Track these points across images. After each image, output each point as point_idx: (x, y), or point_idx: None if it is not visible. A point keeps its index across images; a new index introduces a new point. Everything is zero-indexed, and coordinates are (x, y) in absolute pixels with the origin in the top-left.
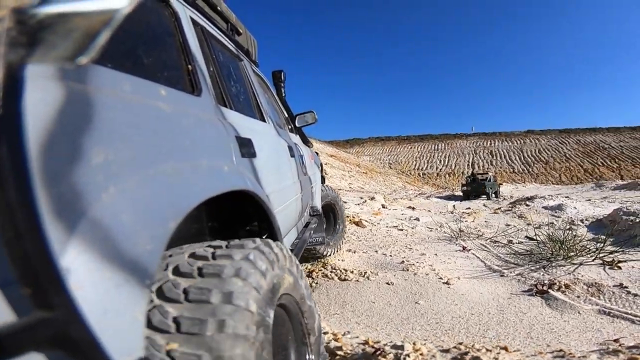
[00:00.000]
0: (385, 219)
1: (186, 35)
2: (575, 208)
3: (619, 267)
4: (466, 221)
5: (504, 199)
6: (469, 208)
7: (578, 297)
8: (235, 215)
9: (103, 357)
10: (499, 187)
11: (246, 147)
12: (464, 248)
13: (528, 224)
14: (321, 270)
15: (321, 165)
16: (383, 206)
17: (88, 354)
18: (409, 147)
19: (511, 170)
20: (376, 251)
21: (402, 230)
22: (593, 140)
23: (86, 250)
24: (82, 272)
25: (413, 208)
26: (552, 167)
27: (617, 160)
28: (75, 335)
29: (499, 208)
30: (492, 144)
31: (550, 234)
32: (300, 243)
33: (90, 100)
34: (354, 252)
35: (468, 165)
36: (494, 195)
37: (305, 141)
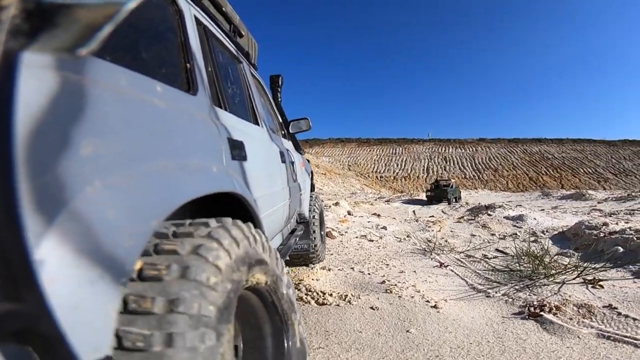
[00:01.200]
0: (353, 227)
1: (188, 34)
2: (535, 219)
3: (601, 286)
4: (432, 230)
5: (461, 205)
6: (433, 216)
7: (571, 319)
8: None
9: (69, 354)
10: (460, 193)
11: (237, 150)
12: (441, 264)
13: (492, 234)
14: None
15: (312, 173)
16: (349, 213)
17: (54, 349)
18: (369, 149)
19: (463, 176)
20: (352, 268)
21: (372, 241)
22: (538, 150)
23: (63, 243)
24: (56, 265)
25: (378, 215)
26: (500, 175)
27: (559, 170)
28: (43, 329)
29: (462, 217)
30: (447, 150)
31: (523, 248)
32: (284, 249)
33: (85, 92)
34: (329, 270)
35: (423, 170)
36: (454, 200)
37: (298, 148)
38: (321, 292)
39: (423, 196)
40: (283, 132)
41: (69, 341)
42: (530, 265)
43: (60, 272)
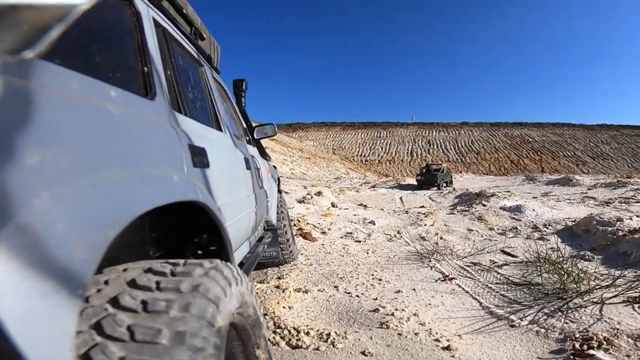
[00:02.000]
0: (337, 223)
1: (146, 36)
2: (533, 210)
3: None
4: (424, 224)
5: (449, 191)
6: (423, 206)
7: (629, 357)
8: (184, 227)
9: None
10: (451, 177)
11: (199, 157)
12: (445, 277)
13: (491, 229)
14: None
15: (278, 179)
16: (333, 205)
17: None
18: (353, 133)
19: (446, 159)
20: (336, 287)
21: (359, 241)
22: (519, 134)
23: (10, 257)
24: (3, 279)
25: (365, 206)
26: (482, 158)
27: (539, 153)
28: None
29: (454, 208)
30: (430, 134)
31: (534, 250)
32: (252, 257)
33: (31, 96)
34: (306, 292)
35: (407, 153)
36: (444, 185)
37: (263, 154)
38: (294, 328)
39: (409, 181)
40: (248, 138)
41: (24, 356)
42: (554, 277)
43: (9, 285)
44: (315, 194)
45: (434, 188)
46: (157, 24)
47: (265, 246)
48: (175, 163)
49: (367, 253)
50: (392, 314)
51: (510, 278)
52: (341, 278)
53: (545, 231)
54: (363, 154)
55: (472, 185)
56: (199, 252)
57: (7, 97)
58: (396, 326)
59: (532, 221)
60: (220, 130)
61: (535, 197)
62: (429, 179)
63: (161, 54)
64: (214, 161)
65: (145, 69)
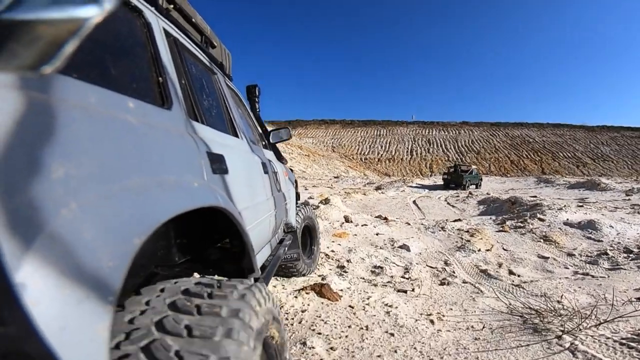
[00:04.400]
0: (358, 249)
1: (158, 47)
2: (611, 226)
3: None
4: (477, 250)
5: (469, 195)
6: (459, 220)
7: None
8: (207, 233)
9: None
10: (481, 180)
11: (218, 163)
12: None
13: (570, 255)
14: None
15: (296, 182)
16: (347, 219)
17: None
18: (353, 131)
19: (446, 158)
20: None
21: (404, 292)
22: (519, 134)
23: (43, 265)
24: (39, 287)
25: (386, 219)
26: (482, 157)
27: (539, 153)
28: (31, 351)
29: (503, 223)
30: (430, 133)
31: None
32: (274, 260)
33: (53, 111)
34: None
35: (407, 152)
36: (473, 187)
37: (280, 157)
38: None
39: (418, 181)
40: (264, 143)
41: None
42: None
43: (44, 293)
44: (322, 202)
45: (452, 189)
46: (167, 34)
47: (286, 248)
48: (195, 170)
49: (431, 323)
50: None
51: None
52: None
53: None
54: (363, 152)
55: (482, 188)
56: (222, 257)
57: (31, 112)
58: None
59: (618, 242)
60: (237, 136)
61: (581, 205)
62: (455, 178)
63: (174, 63)
64: (232, 167)
65: (160, 79)
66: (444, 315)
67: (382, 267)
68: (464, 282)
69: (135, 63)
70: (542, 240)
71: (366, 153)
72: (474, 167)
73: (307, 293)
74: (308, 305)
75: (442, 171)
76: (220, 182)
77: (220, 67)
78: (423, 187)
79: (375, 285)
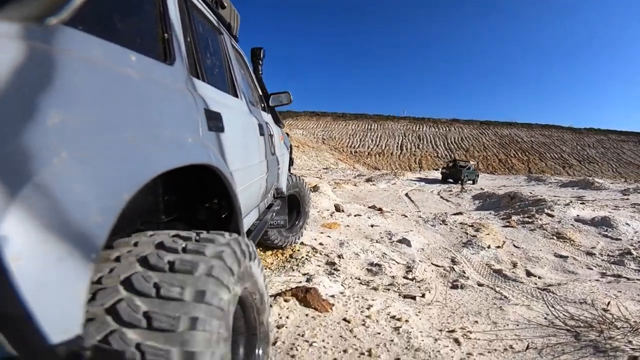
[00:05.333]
0: (351, 243)
1: (167, 4)
2: (627, 224)
3: None
4: (486, 246)
5: (464, 190)
6: (460, 213)
7: None
8: (195, 191)
9: (37, 335)
10: (478, 176)
11: (214, 121)
12: None
13: (589, 254)
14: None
15: (291, 147)
16: (337, 208)
17: (21, 330)
18: (344, 124)
19: (435, 154)
20: None
21: (412, 298)
22: (508, 134)
23: (28, 218)
24: (21, 241)
25: (380, 210)
26: (471, 155)
27: (527, 153)
28: (9, 309)
29: (509, 218)
30: (421, 129)
31: None
32: (260, 224)
33: (54, 61)
34: None
35: (397, 147)
36: (470, 182)
37: (277, 121)
38: None
39: (409, 175)
40: (263, 105)
41: (37, 321)
42: None
43: (26, 248)
44: (311, 190)
45: (448, 184)
46: None
47: (274, 214)
48: (191, 126)
49: (456, 343)
50: None
51: None
52: None
53: None
54: (353, 145)
55: (475, 185)
56: (209, 217)
57: (32, 61)
58: None
59: (639, 241)
60: (237, 96)
61: (583, 203)
62: (453, 173)
63: (182, 21)
64: (228, 126)
65: (166, 35)
66: (470, 332)
67: (380, 265)
68: (479, 284)
69: (142, 18)
70: (555, 237)
71: (356, 146)
72: (471, 162)
73: (285, 300)
74: (287, 317)
75: (431, 167)
76: (215, 139)
77: (228, 27)
78: (420, 179)
79: (376, 289)
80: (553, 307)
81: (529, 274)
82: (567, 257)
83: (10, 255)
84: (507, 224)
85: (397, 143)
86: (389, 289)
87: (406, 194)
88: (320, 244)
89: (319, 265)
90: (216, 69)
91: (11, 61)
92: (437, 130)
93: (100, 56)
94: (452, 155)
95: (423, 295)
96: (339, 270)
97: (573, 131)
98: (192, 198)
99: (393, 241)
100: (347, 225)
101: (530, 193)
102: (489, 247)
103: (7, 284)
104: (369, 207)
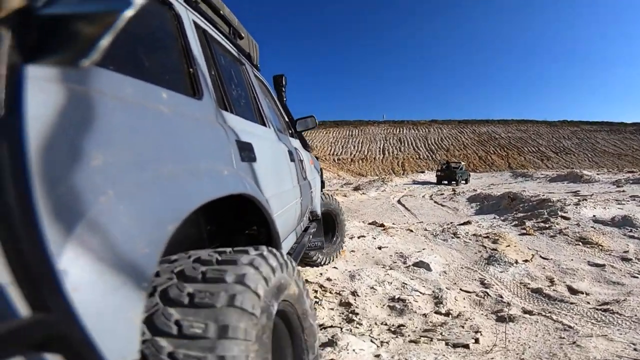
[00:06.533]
0: (362, 273)
1: (188, 39)
2: None
3: None
4: (512, 262)
5: (454, 192)
6: (469, 222)
7: None
8: (235, 220)
9: (97, 359)
10: (469, 175)
11: (246, 151)
12: None
13: (625, 260)
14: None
15: (321, 170)
16: None
17: (83, 355)
18: (324, 132)
19: (417, 156)
20: None
21: (463, 347)
22: (486, 131)
23: (83, 252)
24: (79, 274)
25: (383, 226)
26: (452, 154)
27: (505, 149)
28: (71, 336)
29: (522, 224)
30: (401, 132)
31: None
32: (299, 247)
33: (91, 102)
34: None
35: (379, 151)
36: (463, 182)
37: (305, 146)
38: None
39: (398, 181)
40: (290, 131)
41: (98, 348)
42: None
43: (83, 280)
44: None
45: (444, 185)
46: (197, 26)
47: (311, 236)
48: (225, 158)
49: None
50: None
51: None
52: None
53: None
54: (335, 153)
55: (463, 186)
56: (250, 244)
57: (71, 103)
58: None
59: None
60: (265, 125)
61: (585, 199)
62: (448, 174)
63: (204, 54)
64: (260, 155)
65: (191, 70)
66: None
67: (404, 301)
68: (528, 312)
69: (167, 55)
70: (580, 243)
71: (339, 153)
72: (462, 163)
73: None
74: None
75: (414, 169)
76: (249, 169)
77: (248, 57)
78: (410, 183)
79: (416, 342)
80: (632, 333)
81: (572, 290)
82: (604, 265)
83: (70, 287)
84: (524, 231)
85: (379, 147)
86: (430, 337)
87: (398, 201)
88: (328, 279)
89: (333, 309)
90: (242, 99)
91: (55, 104)
92: (417, 132)
93: (133, 95)
94: (434, 156)
95: (476, 341)
96: (357, 313)
97: (548, 124)
98: (233, 227)
99: (409, 265)
100: (352, 251)
101: (533, 192)
102: (516, 262)
103: (68, 313)
104: (369, 224)
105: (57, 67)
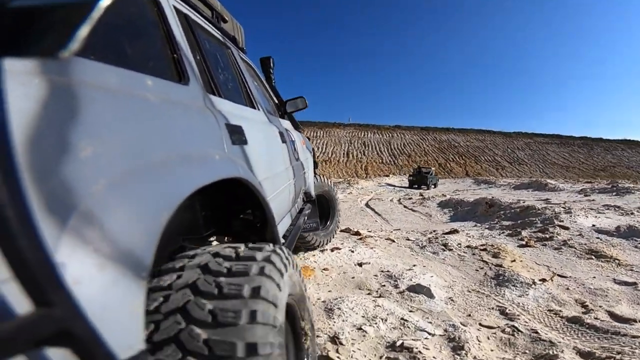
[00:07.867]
0: (345, 311)
1: (170, 24)
2: None
3: None
4: (527, 283)
5: (423, 197)
6: (456, 231)
7: None
8: (229, 204)
9: (105, 352)
10: (438, 180)
11: (237, 135)
12: None
13: None
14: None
15: (313, 150)
16: None
17: (90, 349)
18: None
19: (380, 160)
20: None
21: None
22: (447, 139)
23: (80, 244)
24: (78, 267)
25: (358, 234)
26: (413, 160)
27: (464, 157)
28: (77, 331)
29: (517, 234)
30: (366, 135)
31: None
32: (294, 230)
33: (75, 93)
34: None
35: (344, 154)
36: (433, 186)
37: (296, 126)
38: None
39: (363, 184)
40: (280, 113)
41: (104, 340)
42: None
43: (83, 273)
44: None
45: (415, 189)
46: (178, 12)
47: (306, 217)
48: (216, 142)
49: None
50: None
51: None
52: None
53: None
54: None
55: (430, 191)
56: (245, 228)
57: (54, 95)
58: None
59: None
60: (254, 107)
61: (569, 209)
62: (420, 179)
63: (187, 39)
64: (251, 138)
65: (175, 55)
66: None
67: (409, 349)
68: (583, 355)
69: (149, 42)
70: (593, 257)
71: None
72: (432, 168)
73: None
74: None
75: (377, 173)
76: (240, 153)
77: (233, 40)
78: (387, 185)
79: None
80: None
81: (615, 317)
82: (635, 283)
83: (70, 280)
84: (522, 242)
85: (344, 150)
86: None
87: (367, 204)
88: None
89: None
90: (230, 83)
91: (37, 97)
92: (381, 136)
93: (117, 83)
94: (396, 161)
95: None
96: None
97: (504, 135)
98: (227, 211)
99: (402, 290)
100: (325, 269)
101: (511, 199)
102: (533, 283)
103: (71, 306)
104: (342, 231)
105: (36, 59)
